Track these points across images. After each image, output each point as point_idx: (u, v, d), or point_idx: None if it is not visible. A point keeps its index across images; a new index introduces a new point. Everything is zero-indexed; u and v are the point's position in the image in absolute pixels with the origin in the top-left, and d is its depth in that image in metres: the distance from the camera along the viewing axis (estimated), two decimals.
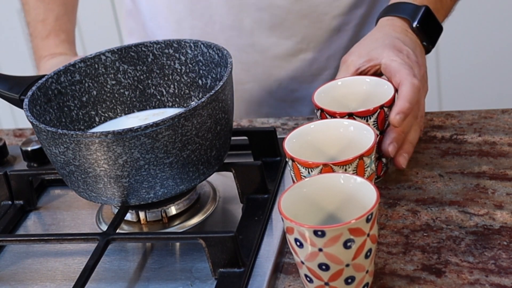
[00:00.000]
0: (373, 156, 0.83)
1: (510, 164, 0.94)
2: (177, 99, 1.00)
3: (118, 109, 1.00)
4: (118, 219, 0.88)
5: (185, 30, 1.23)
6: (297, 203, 0.78)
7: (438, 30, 1.03)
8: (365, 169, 0.82)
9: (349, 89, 0.96)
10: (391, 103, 0.91)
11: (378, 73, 0.97)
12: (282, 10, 1.18)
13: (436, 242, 0.84)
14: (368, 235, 0.74)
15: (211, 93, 0.84)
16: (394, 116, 0.89)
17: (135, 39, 1.31)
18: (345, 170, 0.81)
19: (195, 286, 0.82)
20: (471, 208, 0.88)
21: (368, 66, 0.96)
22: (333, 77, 0.99)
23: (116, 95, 0.99)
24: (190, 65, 0.97)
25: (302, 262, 0.75)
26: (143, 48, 0.98)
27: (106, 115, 0.99)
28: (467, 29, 2.31)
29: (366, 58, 0.96)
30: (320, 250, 0.73)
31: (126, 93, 0.99)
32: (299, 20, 1.19)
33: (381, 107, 0.90)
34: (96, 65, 0.97)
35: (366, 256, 0.75)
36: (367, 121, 0.89)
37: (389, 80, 0.93)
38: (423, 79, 0.96)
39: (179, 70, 0.98)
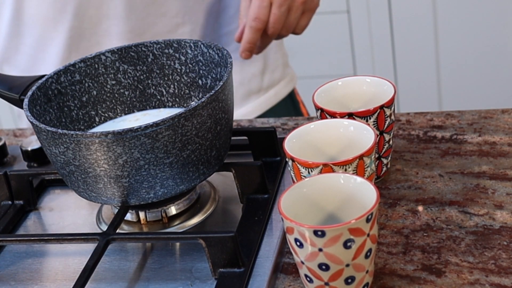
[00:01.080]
0: (373, 156, 0.83)
1: (510, 164, 0.94)
2: (177, 99, 1.00)
3: (118, 109, 1.00)
4: (118, 219, 0.88)
5: (53, 29, 1.21)
6: (297, 203, 0.78)
7: None
8: (365, 169, 0.82)
9: (349, 89, 0.96)
10: (391, 103, 0.91)
11: None
12: None
13: (436, 242, 0.84)
14: (368, 235, 0.74)
15: (211, 93, 0.84)
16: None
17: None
18: (345, 170, 0.81)
19: (195, 286, 0.82)
20: (471, 208, 0.88)
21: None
22: None
23: (116, 95, 0.99)
24: (190, 65, 0.97)
25: (302, 262, 0.75)
26: (143, 48, 0.98)
27: (106, 115, 0.99)
28: (467, 29, 2.31)
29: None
30: (320, 250, 0.73)
31: (126, 93, 0.99)
32: None
33: (381, 107, 0.90)
34: (96, 65, 0.97)
35: (366, 256, 0.75)
36: (367, 121, 0.89)
37: None
38: None
39: (179, 70, 0.98)
